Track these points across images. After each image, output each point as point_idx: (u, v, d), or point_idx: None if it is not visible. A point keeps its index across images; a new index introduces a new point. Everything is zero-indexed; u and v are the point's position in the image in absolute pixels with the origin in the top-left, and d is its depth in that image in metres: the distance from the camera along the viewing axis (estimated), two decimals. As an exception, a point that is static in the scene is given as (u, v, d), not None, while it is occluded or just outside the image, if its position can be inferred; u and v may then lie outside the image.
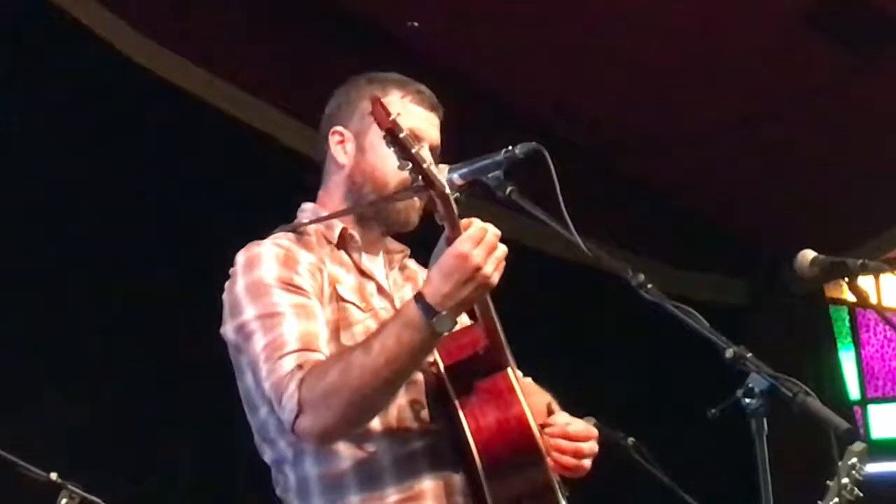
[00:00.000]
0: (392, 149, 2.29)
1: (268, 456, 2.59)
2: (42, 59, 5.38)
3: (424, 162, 2.29)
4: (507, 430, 2.44)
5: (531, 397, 2.73)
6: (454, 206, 2.35)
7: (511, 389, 2.49)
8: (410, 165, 2.29)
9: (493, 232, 2.35)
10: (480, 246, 2.32)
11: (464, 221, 2.36)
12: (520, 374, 2.86)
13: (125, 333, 5.42)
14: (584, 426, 2.65)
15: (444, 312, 2.32)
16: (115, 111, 5.55)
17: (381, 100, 2.58)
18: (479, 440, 2.43)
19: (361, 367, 2.35)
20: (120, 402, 5.34)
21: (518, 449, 2.45)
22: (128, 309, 5.47)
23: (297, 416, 2.38)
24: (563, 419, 2.64)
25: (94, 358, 5.30)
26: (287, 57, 5.93)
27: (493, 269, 2.33)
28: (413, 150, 2.28)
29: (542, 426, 2.62)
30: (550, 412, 2.66)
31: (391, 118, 2.27)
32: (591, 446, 2.63)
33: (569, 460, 2.58)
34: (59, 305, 5.28)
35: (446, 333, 2.37)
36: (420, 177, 2.30)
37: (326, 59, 5.55)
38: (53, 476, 3.75)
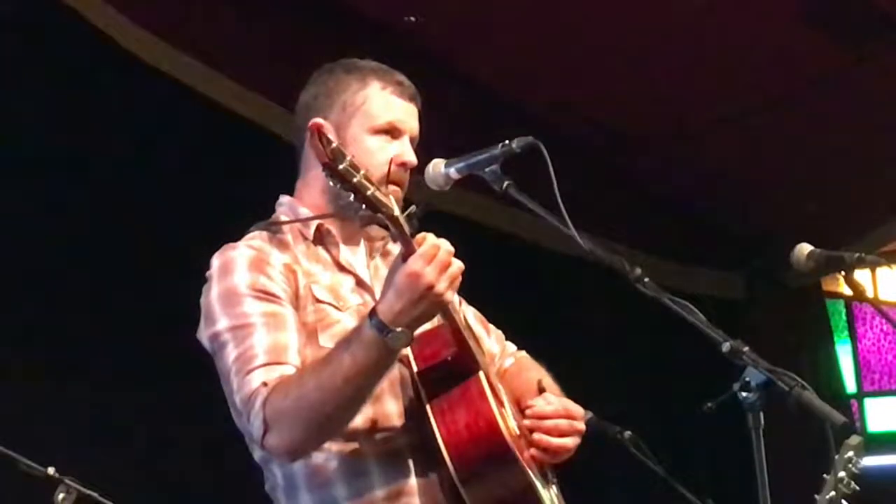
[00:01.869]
0: (330, 182, 2.27)
1: (256, 454, 2.60)
2: (41, 50, 5.37)
3: (368, 189, 2.27)
4: (478, 435, 2.43)
5: (522, 375, 2.74)
6: (405, 225, 2.34)
7: (482, 394, 2.47)
8: (352, 196, 2.27)
9: (445, 249, 2.34)
10: (433, 264, 2.31)
11: (418, 237, 2.35)
12: (513, 348, 2.89)
13: (124, 328, 5.41)
14: (564, 405, 2.63)
15: (398, 330, 2.32)
16: (110, 105, 5.55)
17: (360, 93, 2.60)
18: (449, 446, 2.44)
19: (321, 387, 2.35)
20: (119, 398, 5.34)
21: (489, 454, 2.44)
22: (127, 303, 5.46)
23: (264, 434, 2.40)
24: (547, 398, 2.63)
25: (92, 353, 5.30)
26: (285, 51, 5.92)
27: (446, 287, 2.33)
28: (354, 180, 2.25)
29: (522, 409, 2.62)
30: (541, 389, 2.66)
31: (331, 147, 2.25)
32: (573, 425, 2.61)
33: (549, 441, 2.58)
34: (58, 301, 5.28)
35: (404, 350, 2.39)
36: (364, 206, 2.28)
37: (325, 54, 5.54)
38: (51, 470, 3.75)
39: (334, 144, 2.27)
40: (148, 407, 5.41)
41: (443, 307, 2.39)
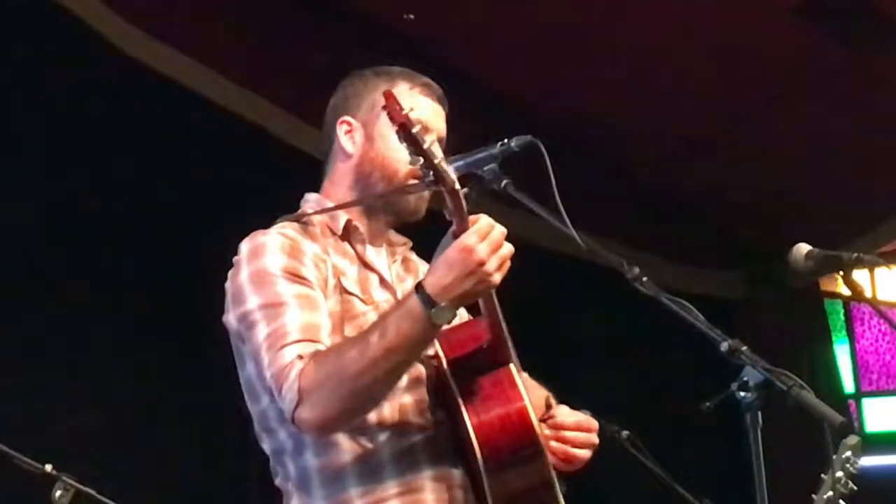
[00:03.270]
0: (404, 144, 2.29)
1: (267, 445, 2.60)
2: (41, 56, 5.37)
3: (436, 158, 2.29)
4: (509, 425, 2.44)
5: (530, 392, 2.74)
6: (463, 201, 2.35)
7: (513, 385, 2.49)
8: (422, 161, 2.29)
9: (499, 229, 2.36)
10: (486, 241, 2.33)
11: (472, 217, 2.36)
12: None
13: (124, 326, 5.42)
14: (584, 418, 2.66)
15: (443, 304, 2.32)
16: (111, 107, 5.55)
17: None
18: (480, 435, 2.44)
19: (360, 358, 2.35)
20: (118, 395, 5.34)
21: (519, 445, 2.45)
22: (127, 301, 5.46)
23: (296, 406, 2.38)
24: (564, 411, 2.65)
25: (91, 350, 5.30)
26: (283, 51, 5.92)
27: (496, 267, 2.34)
28: (425, 146, 2.28)
29: (543, 419, 2.63)
30: (549, 406, 2.67)
31: (404, 112, 2.27)
32: (591, 438, 2.65)
33: (569, 452, 2.60)
34: (58, 298, 5.28)
35: (445, 325, 2.38)
36: (431, 172, 2.30)
37: (325, 53, 5.55)
38: (48, 468, 3.75)
39: (406, 111, 2.28)
40: (147, 404, 5.41)
41: (490, 287, 2.38)
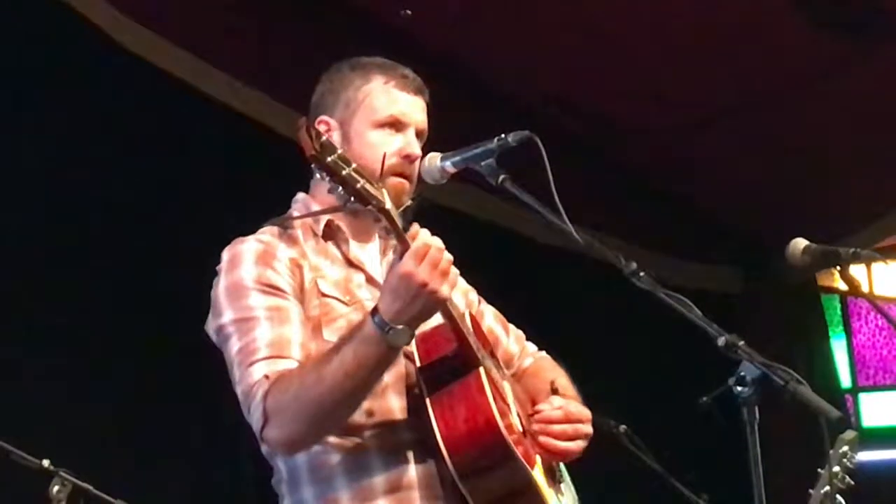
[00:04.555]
0: (318, 174, 2.29)
1: (264, 448, 2.60)
2: (41, 52, 5.37)
3: (357, 182, 2.28)
4: (476, 431, 2.44)
5: (539, 375, 2.76)
6: (397, 218, 2.35)
7: (481, 390, 2.48)
8: (340, 189, 2.28)
9: (436, 246, 2.36)
10: (424, 262, 2.33)
11: (411, 231, 2.38)
12: (533, 348, 2.90)
13: (122, 323, 5.41)
14: (573, 409, 2.65)
15: (399, 327, 2.34)
16: (112, 103, 5.54)
17: (362, 88, 2.62)
18: (448, 442, 2.45)
19: (322, 381, 2.37)
20: (115, 392, 5.33)
21: (487, 450, 2.45)
22: (126, 299, 5.46)
23: (263, 426, 2.42)
24: (554, 403, 2.65)
25: (90, 346, 5.29)
26: (284, 47, 5.92)
27: (440, 283, 2.34)
28: (343, 173, 2.27)
29: (531, 414, 2.63)
30: (554, 390, 2.67)
31: (320, 141, 2.26)
32: (580, 429, 2.64)
33: (556, 444, 2.60)
34: (56, 296, 5.27)
35: (405, 347, 2.40)
36: (353, 198, 2.29)
37: (322, 50, 5.54)
38: (46, 463, 3.75)
39: (324, 138, 2.28)
40: (145, 401, 5.41)
41: (440, 303, 2.39)
